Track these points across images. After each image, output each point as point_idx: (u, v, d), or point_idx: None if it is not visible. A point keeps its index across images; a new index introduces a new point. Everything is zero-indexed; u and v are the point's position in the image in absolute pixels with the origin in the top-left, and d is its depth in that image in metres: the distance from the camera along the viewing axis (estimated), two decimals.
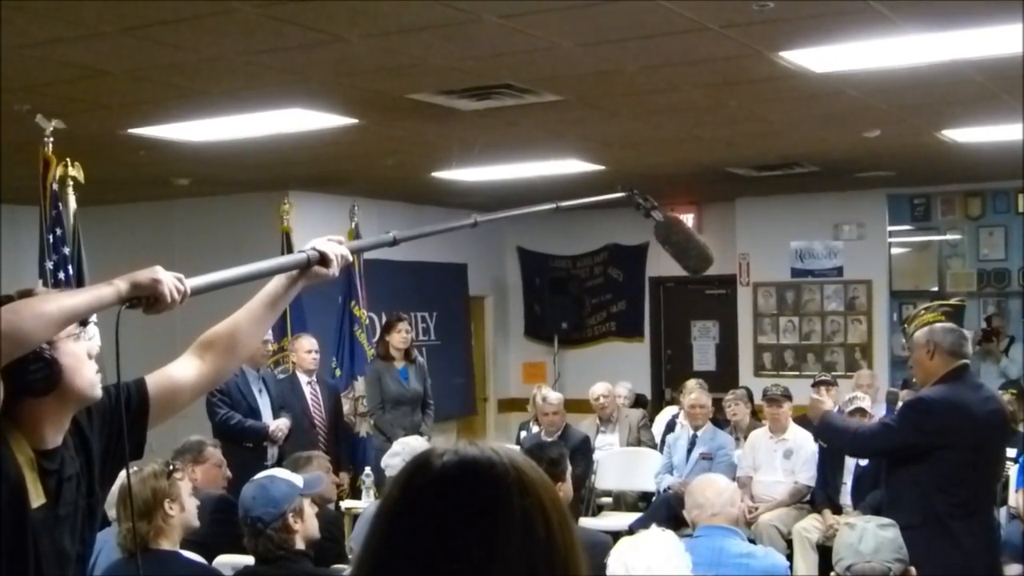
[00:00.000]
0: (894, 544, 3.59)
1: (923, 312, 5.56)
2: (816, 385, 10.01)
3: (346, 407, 9.79)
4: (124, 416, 2.64)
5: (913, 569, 3.62)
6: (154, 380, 2.78)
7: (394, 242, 3.11)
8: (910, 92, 7.27)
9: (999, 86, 7.04)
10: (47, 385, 2.50)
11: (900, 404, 6.23)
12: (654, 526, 4.30)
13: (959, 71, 6.65)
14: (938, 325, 5.37)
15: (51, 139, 6.83)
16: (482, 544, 1.42)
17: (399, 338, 9.62)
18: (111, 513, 4.86)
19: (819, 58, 6.32)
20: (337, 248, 2.86)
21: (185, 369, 2.83)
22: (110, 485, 2.83)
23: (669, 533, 4.20)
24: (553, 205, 3.67)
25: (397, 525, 1.47)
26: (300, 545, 4.34)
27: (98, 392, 2.63)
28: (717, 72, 6.66)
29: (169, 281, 2.49)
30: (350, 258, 2.91)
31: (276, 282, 2.89)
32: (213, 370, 2.85)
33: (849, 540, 3.61)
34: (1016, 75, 6.59)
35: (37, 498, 2.54)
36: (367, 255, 9.65)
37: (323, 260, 2.83)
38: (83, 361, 2.59)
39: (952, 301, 5.73)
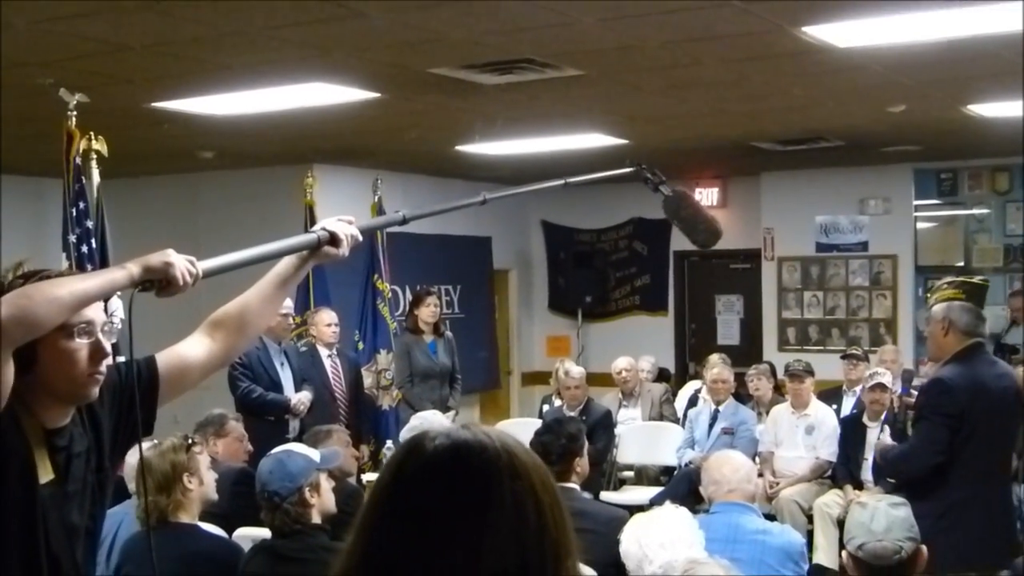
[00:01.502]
0: (906, 523, 3.58)
1: (945, 287, 5.55)
2: (845, 358, 10.03)
3: (368, 380, 9.81)
4: (136, 393, 2.66)
5: (924, 548, 3.61)
6: (164, 358, 2.80)
7: (404, 221, 3.14)
8: (935, 67, 7.22)
9: None
10: (20, 365, 2.45)
11: (915, 381, 6.24)
12: (668, 503, 4.32)
13: (983, 46, 6.60)
14: (956, 303, 5.37)
15: (74, 113, 6.86)
16: (473, 527, 1.44)
17: (428, 312, 9.66)
18: (130, 486, 4.92)
19: (842, 33, 6.28)
20: (347, 228, 2.88)
21: (195, 348, 2.85)
22: (120, 461, 2.85)
23: (683, 510, 4.22)
24: (562, 181, 3.67)
25: (389, 508, 1.49)
26: (317, 519, 4.38)
27: (91, 394, 2.60)
28: (739, 47, 6.63)
29: (181, 264, 2.51)
30: (360, 238, 2.92)
31: (286, 262, 2.92)
32: (223, 349, 2.87)
33: (861, 519, 3.60)
34: None
35: (46, 474, 2.57)
36: (390, 228, 9.66)
37: (333, 240, 2.86)
38: (70, 362, 2.53)
39: (975, 279, 5.71)
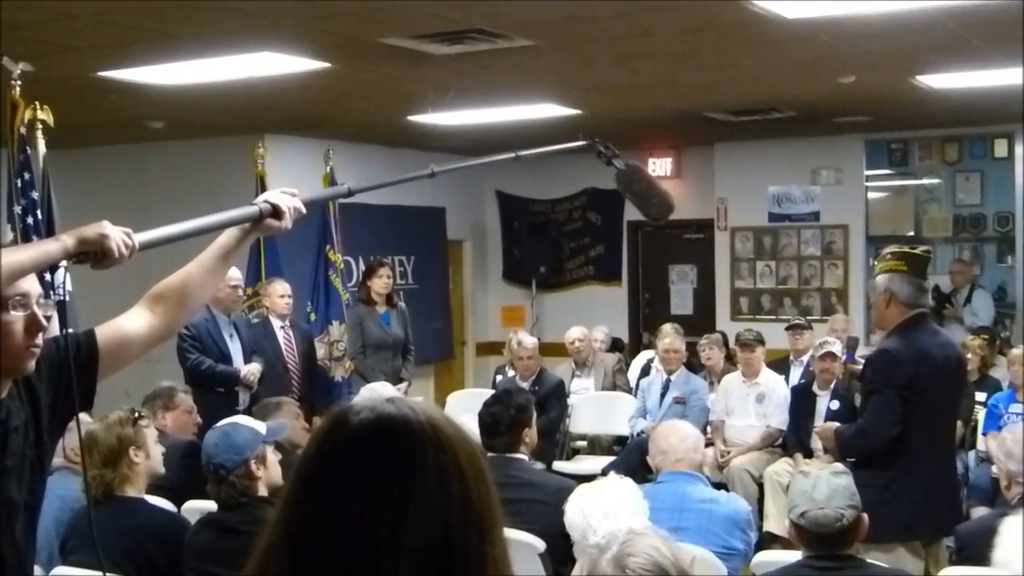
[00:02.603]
0: (847, 491, 3.63)
1: (888, 257, 5.58)
2: (790, 328, 10.10)
3: (321, 351, 9.79)
4: (73, 367, 2.64)
5: (865, 516, 3.65)
6: (104, 332, 2.78)
7: (349, 193, 3.12)
8: (883, 38, 7.25)
9: (971, 33, 7.04)
10: None
11: (861, 349, 6.29)
12: (612, 473, 4.33)
13: (931, 17, 6.64)
14: (897, 274, 5.40)
15: (19, 82, 6.79)
16: (396, 500, 1.43)
17: (381, 283, 9.61)
18: (56, 460, 4.88)
19: (790, 4, 6.30)
20: (290, 200, 2.85)
21: (135, 321, 2.83)
22: (59, 435, 2.83)
23: (627, 480, 4.24)
24: (512, 154, 3.66)
25: (313, 481, 1.49)
26: (263, 492, 4.38)
27: (28, 367, 2.59)
28: (689, 18, 6.64)
29: (117, 236, 2.48)
30: (303, 210, 2.89)
31: (228, 234, 2.89)
32: (163, 322, 2.85)
33: (803, 487, 3.65)
34: (987, 22, 6.59)
35: None
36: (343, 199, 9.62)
37: (276, 213, 2.83)
38: (5, 334, 2.53)
39: (917, 250, 5.72)
